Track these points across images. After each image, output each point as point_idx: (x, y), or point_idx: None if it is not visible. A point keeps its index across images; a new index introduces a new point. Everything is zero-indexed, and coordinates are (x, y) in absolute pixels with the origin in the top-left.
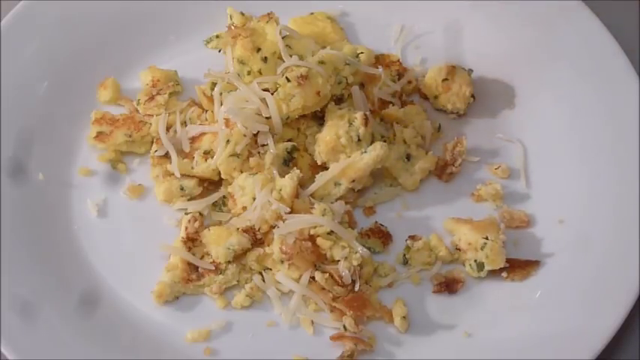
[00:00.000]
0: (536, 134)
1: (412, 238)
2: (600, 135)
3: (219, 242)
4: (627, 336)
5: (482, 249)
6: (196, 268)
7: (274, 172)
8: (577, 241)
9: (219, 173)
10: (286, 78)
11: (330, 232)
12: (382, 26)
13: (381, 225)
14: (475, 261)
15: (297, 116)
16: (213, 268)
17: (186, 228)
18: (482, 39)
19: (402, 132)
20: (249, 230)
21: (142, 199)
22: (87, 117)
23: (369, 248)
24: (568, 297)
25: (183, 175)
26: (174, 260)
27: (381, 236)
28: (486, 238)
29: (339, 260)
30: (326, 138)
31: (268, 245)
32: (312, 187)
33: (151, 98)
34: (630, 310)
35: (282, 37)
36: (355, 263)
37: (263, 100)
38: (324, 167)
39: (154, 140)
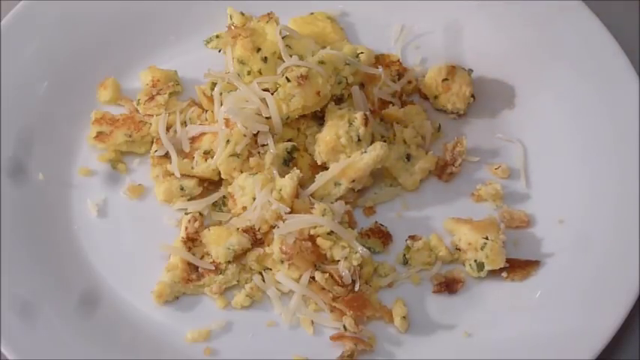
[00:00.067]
0: (536, 134)
1: (412, 238)
2: (600, 135)
3: (219, 242)
4: (627, 336)
5: (482, 249)
6: (196, 268)
7: (274, 172)
8: (577, 241)
9: (219, 173)
10: (286, 78)
11: (330, 232)
12: (382, 26)
13: (381, 225)
14: (475, 261)
15: (297, 116)
16: (213, 268)
17: (186, 228)
18: (482, 39)
19: (402, 132)
20: (249, 230)
21: (142, 199)
22: (87, 117)
23: (369, 248)
24: (568, 297)
25: (183, 175)
26: (174, 260)
27: (381, 236)
28: (486, 238)
29: (339, 260)
30: (326, 138)
31: (268, 245)
32: (312, 187)
33: (151, 98)
34: (630, 310)
35: (282, 37)
36: (355, 263)
37: (263, 100)
38: (324, 167)
39: (154, 140)
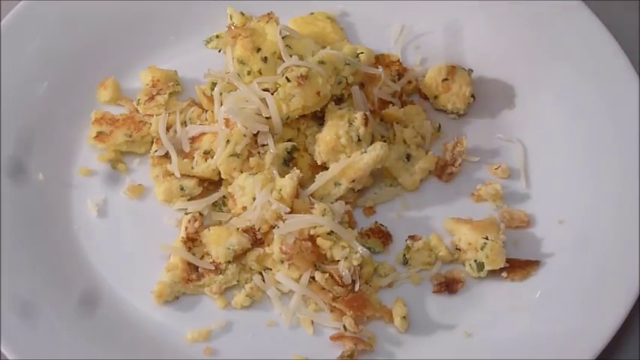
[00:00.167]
0: (536, 134)
1: (412, 238)
2: (600, 135)
3: (219, 242)
4: (627, 336)
5: (482, 249)
6: (196, 268)
7: (274, 172)
8: (577, 241)
9: (219, 173)
10: (286, 78)
11: (330, 232)
12: (382, 26)
13: (381, 225)
14: (475, 261)
15: (297, 116)
16: (213, 268)
17: (186, 228)
18: (482, 39)
19: (402, 132)
20: (249, 230)
21: (142, 199)
22: (87, 117)
23: (369, 248)
24: (568, 297)
25: (183, 175)
26: (174, 260)
27: (381, 236)
28: (486, 238)
29: (339, 260)
30: (326, 138)
31: (268, 245)
32: (312, 187)
33: (151, 98)
34: (630, 310)
35: (282, 37)
36: (355, 263)
37: (263, 100)
38: (324, 167)
39: (154, 140)
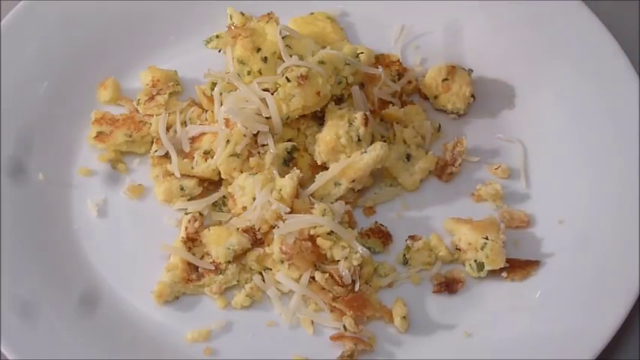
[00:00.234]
0: (536, 134)
1: (412, 238)
2: (600, 135)
3: (219, 242)
4: (627, 336)
5: (482, 249)
6: (196, 268)
7: (274, 172)
8: (577, 241)
9: (219, 173)
10: (286, 78)
11: (330, 232)
12: (382, 26)
13: (381, 225)
14: (475, 261)
15: (297, 116)
16: (213, 268)
17: (186, 228)
18: (482, 39)
19: (402, 132)
20: (249, 230)
21: (142, 199)
22: (87, 117)
23: (369, 248)
24: (568, 297)
25: (183, 175)
26: (174, 260)
27: (381, 236)
28: (486, 238)
29: (339, 260)
30: (326, 138)
31: (268, 245)
32: (312, 187)
33: (151, 98)
34: (630, 310)
35: (282, 37)
36: (355, 263)
37: (263, 100)
38: (324, 167)
39: (154, 140)
